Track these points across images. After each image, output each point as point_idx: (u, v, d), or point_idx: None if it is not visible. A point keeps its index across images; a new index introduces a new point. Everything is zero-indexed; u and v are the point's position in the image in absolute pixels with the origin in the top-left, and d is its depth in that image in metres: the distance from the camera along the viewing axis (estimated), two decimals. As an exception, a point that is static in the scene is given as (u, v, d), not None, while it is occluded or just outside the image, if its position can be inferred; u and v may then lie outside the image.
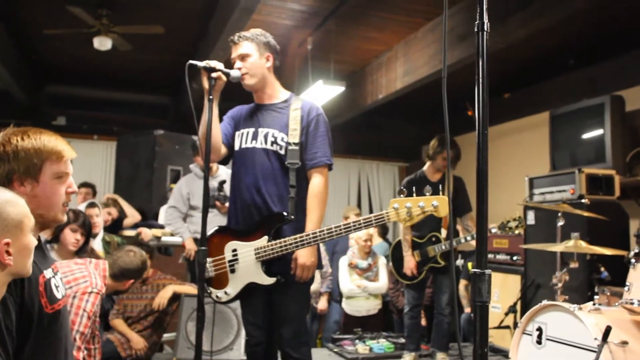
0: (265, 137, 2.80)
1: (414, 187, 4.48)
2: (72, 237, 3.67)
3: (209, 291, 2.77)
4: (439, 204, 2.47)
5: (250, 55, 2.81)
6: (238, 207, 2.85)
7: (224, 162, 3.00)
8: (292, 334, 2.74)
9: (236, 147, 2.88)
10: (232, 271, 2.75)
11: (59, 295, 1.77)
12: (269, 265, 2.71)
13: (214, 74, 2.64)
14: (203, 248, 2.48)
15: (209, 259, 2.73)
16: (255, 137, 2.83)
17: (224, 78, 2.69)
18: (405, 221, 2.50)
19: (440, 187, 4.29)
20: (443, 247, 4.48)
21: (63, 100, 8.54)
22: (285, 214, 2.71)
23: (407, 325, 4.67)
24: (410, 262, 4.55)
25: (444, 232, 4.60)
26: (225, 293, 2.76)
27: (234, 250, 2.75)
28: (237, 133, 2.90)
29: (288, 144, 2.77)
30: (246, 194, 2.80)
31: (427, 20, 5.69)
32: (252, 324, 2.86)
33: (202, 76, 2.65)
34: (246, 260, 2.72)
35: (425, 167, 4.80)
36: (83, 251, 3.83)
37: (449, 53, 5.26)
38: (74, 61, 7.35)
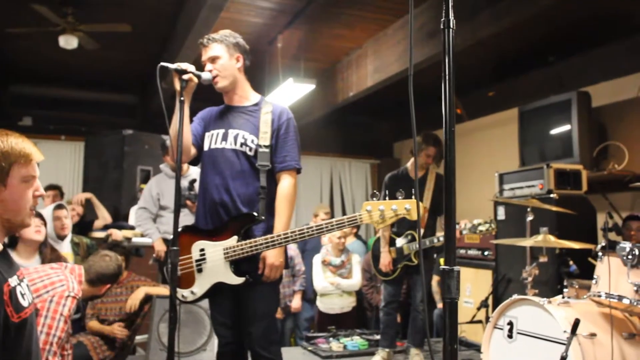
0: (235, 138, 2.81)
1: (395, 183, 4.58)
2: (32, 226, 3.60)
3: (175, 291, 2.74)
4: (411, 207, 2.47)
5: (220, 57, 2.83)
6: (207, 207, 2.84)
7: (193, 162, 2.98)
8: (262, 332, 2.73)
9: (205, 148, 2.88)
10: (199, 270, 2.74)
11: (25, 303, 1.73)
12: (238, 265, 2.71)
13: (185, 76, 2.65)
14: (175, 248, 2.46)
15: None
16: (225, 138, 2.83)
17: (195, 80, 2.70)
18: (378, 224, 2.53)
19: (420, 187, 4.33)
20: (415, 247, 4.49)
21: (29, 100, 8.35)
22: (255, 214, 2.71)
23: (383, 322, 4.68)
24: (385, 258, 4.56)
25: (422, 231, 4.60)
26: (192, 292, 2.74)
27: (202, 249, 2.75)
28: (207, 134, 2.89)
29: (259, 146, 2.78)
30: (215, 194, 2.79)
31: (397, 17, 5.71)
32: (222, 324, 2.84)
33: (174, 78, 2.65)
34: (214, 260, 2.71)
35: (408, 164, 4.81)
36: (45, 245, 3.75)
37: (419, 50, 5.29)
38: (39, 60, 7.21)
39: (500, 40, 5.65)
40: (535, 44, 6.17)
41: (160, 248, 4.88)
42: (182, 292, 2.74)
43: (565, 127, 5.33)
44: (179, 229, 2.74)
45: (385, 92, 6.64)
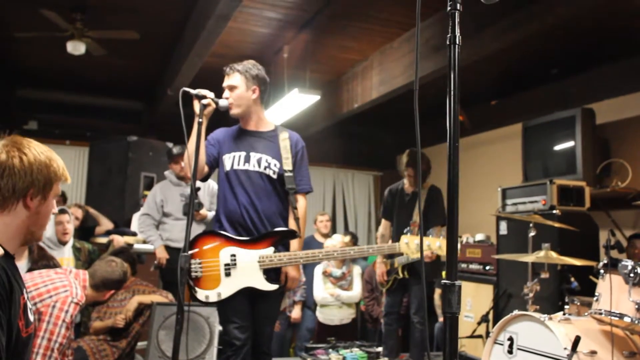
0: (259, 161, 3.10)
1: (392, 198, 4.68)
2: None
3: (194, 291, 2.94)
4: (441, 244, 3.04)
5: (237, 87, 3.09)
6: (231, 221, 3.08)
7: (203, 179, 3.24)
8: (270, 333, 3.13)
9: (227, 168, 3.12)
10: (227, 274, 2.96)
11: (31, 318, 1.73)
12: (269, 273, 2.99)
13: (204, 101, 2.90)
14: (186, 254, 2.62)
15: (197, 260, 2.95)
16: (247, 160, 3.11)
17: (213, 105, 2.95)
18: (412, 253, 3.08)
19: (412, 203, 4.44)
20: (403, 260, 4.50)
21: (35, 105, 8.39)
22: (295, 231, 3.06)
23: (384, 333, 4.77)
24: (379, 268, 4.70)
25: None
26: (218, 294, 2.94)
27: (233, 255, 2.97)
28: (227, 155, 3.14)
29: (284, 171, 3.11)
30: (242, 210, 3.05)
31: (403, 30, 5.73)
32: (240, 327, 2.99)
33: (194, 102, 2.91)
34: (246, 266, 2.96)
35: (405, 179, 4.90)
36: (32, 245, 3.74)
37: (425, 63, 5.31)
38: (46, 65, 7.25)
39: (505, 56, 5.67)
40: (539, 60, 6.19)
41: (162, 255, 4.89)
42: (205, 293, 2.93)
43: (569, 144, 5.33)
44: (202, 232, 3.11)
45: (390, 104, 6.65)
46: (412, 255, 3.07)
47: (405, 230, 3.19)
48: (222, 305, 3.02)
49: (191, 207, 2.69)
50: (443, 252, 2.92)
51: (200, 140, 2.84)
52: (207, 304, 2.99)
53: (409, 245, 3.04)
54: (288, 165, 3.12)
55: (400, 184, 4.88)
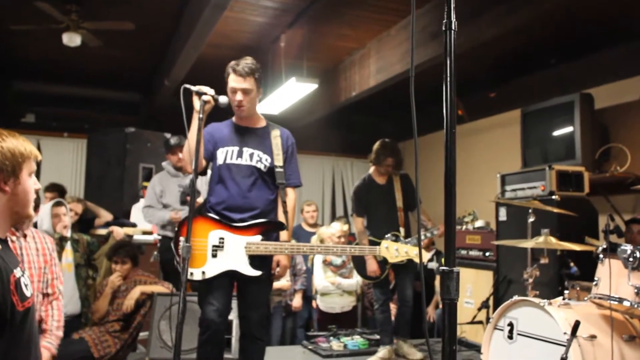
0: (251, 156, 3.23)
1: (365, 193, 4.76)
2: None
3: (180, 267, 2.95)
4: (417, 254, 3.19)
5: (252, 91, 3.20)
6: (220, 210, 3.19)
7: (202, 173, 3.33)
8: (259, 319, 3.17)
9: (220, 162, 3.23)
10: (214, 255, 3.07)
11: (28, 294, 1.82)
12: (254, 259, 3.09)
13: (204, 97, 2.97)
14: (188, 244, 2.67)
15: (183, 239, 2.97)
16: (240, 155, 3.23)
17: (213, 102, 3.03)
18: (391, 258, 3.24)
19: (390, 190, 4.52)
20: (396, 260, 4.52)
21: (32, 97, 8.35)
22: (283, 223, 3.21)
23: (379, 320, 4.75)
24: (372, 264, 4.64)
25: (402, 231, 4.68)
26: (202, 273, 3.04)
27: (222, 238, 3.10)
28: (220, 150, 3.25)
29: (275, 166, 3.24)
30: (233, 200, 3.17)
31: (400, 18, 5.71)
32: (217, 310, 3.07)
33: (194, 98, 2.99)
34: (233, 250, 3.08)
35: (371, 171, 5.03)
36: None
37: (422, 51, 5.29)
38: (42, 57, 7.21)
39: (502, 42, 5.65)
40: (538, 46, 6.16)
41: (176, 217, 4.89)
42: (190, 270, 2.98)
43: (568, 129, 5.33)
44: (195, 213, 3.07)
45: (388, 92, 6.63)
46: (391, 260, 3.25)
47: (386, 236, 3.46)
48: (203, 286, 3.10)
49: (192, 201, 2.73)
50: (417, 260, 3.23)
51: (200, 137, 2.92)
52: (190, 281, 3.03)
53: (389, 250, 3.22)
54: (279, 161, 3.25)
55: (366, 178, 4.99)
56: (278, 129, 3.36)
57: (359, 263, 4.81)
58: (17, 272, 1.79)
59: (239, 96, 3.18)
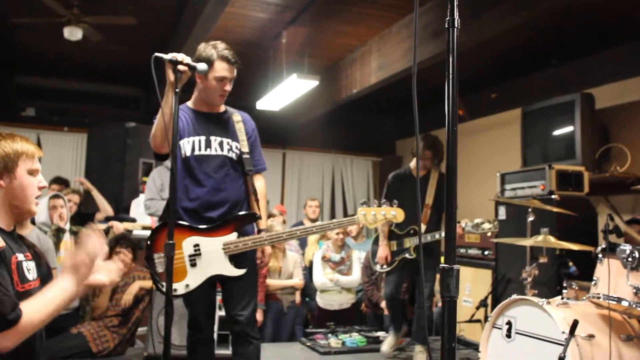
0: (221, 145, 3.02)
1: (398, 182, 4.66)
2: None
3: (161, 285, 2.83)
4: (396, 213, 3.05)
5: (233, 80, 2.99)
6: (195, 210, 2.97)
7: (162, 158, 3.09)
8: (250, 316, 3.01)
9: (188, 153, 2.97)
10: (193, 265, 2.90)
11: (30, 277, 1.93)
12: (235, 258, 2.94)
13: (180, 67, 2.64)
14: (171, 242, 2.49)
15: (160, 254, 2.86)
16: (208, 144, 3.00)
17: (189, 73, 2.72)
18: (370, 224, 3.03)
19: (423, 185, 4.42)
20: (415, 240, 4.50)
21: (32, 91, 8.35)
22: (257, 214, 3.03)
23: (390, 311, 4.81)
24: (383, 251, 4.61)
25: (424, 227, 4.61)
26: (186, 286, 2.88)
27: (196, 245, 2.91)
28: (185, 140, 2.97)
29: (242, 152, 3.05)
30: (209, 196, 2.96)
31: (402, 15, 5.70)
32: (205, 314, 3.03)
33: (167, 69, 2.66)
34: (211, 254, 2.90)
35: (411, 163, 4.87)
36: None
37: (423, 49, 5.28)
38: (43, 51, 7.20)
39: (504, 41, 5.64)
40: (538, 45, 6.15)
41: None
42: (174, 286, 2.77)
43: (568, 129, 5.33)
44: (158, 225, 3.02)
45: (389, 89, 6.63)
46: (370, 226, 3.04)
47: (361, 202, 3.09)
48: (187, 294, 2.93)
49: (173, 187, 2.54)
50: (397, 220, 3.04)
51: (177, 114, 2.59)
52: (176, 296, 2.83)
53: (366, 216, 3.00)
54: (245, 147, 3.06)
55: (406, 169, 4.80)
56: (238, 114, 3.16)
57: (374, 252, 4.76)
58: (20, 257, 1.91)
59: (228, 86, 2.97)
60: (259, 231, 3.08)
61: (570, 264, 4.14)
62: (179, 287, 2.86)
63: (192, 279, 2.88)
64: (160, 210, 4.95)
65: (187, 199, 2.97)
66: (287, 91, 6.39)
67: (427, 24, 5.27)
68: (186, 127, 3.00)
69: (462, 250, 5.64)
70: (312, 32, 6.12)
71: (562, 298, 3.29)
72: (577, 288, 3.69)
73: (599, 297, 2.98)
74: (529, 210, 3.94)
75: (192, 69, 2.71)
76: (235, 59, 2.95)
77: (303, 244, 6.27)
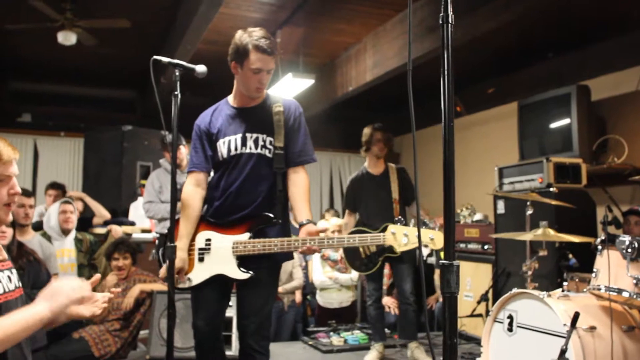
0: (256, 142, 2.80)
1: (360, 185, 4.57)
2: None
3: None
4: (434, 237, 2.58)
5: (272, 70, 2.80)
6: (228, 206, 2.79)
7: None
8: (257, 327, 2.74)
9: (225, 155, 2.81)
10: (201, 260, 2.75)
11: (8, 288, 1.79)
12: (243, 260, 2.71)
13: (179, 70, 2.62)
14: (172, 244, 2.45)
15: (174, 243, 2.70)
16: (244, 143, 2.80)
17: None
18: (400, 247, 2.63)
19: (385, 181, 4.29)
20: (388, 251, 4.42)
21: (28, 97, 8.35)
22: (272, 216, 2.73)
23: (373, 317, 4.61)
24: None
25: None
26: (188, 279, 2.73)
27: (208, 239, 2.76)
28: (221, 141, 2.82)
29: (275, 147, 2.79)
30: (242, 197, 2.77)
31: (396, 12, 5.70)
32: (204, 319, 2.79)
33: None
34: (220, 252, 2.72)
35: (366, 163, 4.76)
36: (12, 244, 3.67)
37: (418, 45, 5.28)
38: (38, 56, 7.19)
39: (499, 35, 5.64)
40: (534, 39, 6.16)
41: None
42: (176, 277, 2.68)
43: (565, 121, 5.33)
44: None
45: (385, 86, 6.63)
46: (399, 249, 2.66)
47: (396, 218, 2.85)
48: (193, 292, 2.82)
49: (173, 191, 2.51)
50: (435, 246, 2.58)
51: (176, 117, 2.53)
52: (177, 288, 2.72)
53: (396, 236, 2.64)
54: (280, 141, 2.80)
55: (363, 169, 4.74)
56: (281, 102, 2.90)
57: (350, 255, 4.66)
58: None
59: (265, 78, 2.78)
60: (300, 225, 2.72)
61: (570, 256, 4.14)
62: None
63: (195, 274, 2.74)
64: (159, 213, 4.96)
65: (225, 197, 2.80)
66: (283, 90, 6.39)
67: (421, 20, 5.27)
68: (223, 127, 2.83)
69: (462, 245, 5.64)
70: (306, 31, 6.12)
71: (563, 290, 3.30)
72: (577, 280, 3.70)
73: (599, 289, 2.98)
74: (528, 203, 3.94)
75: (192, 70, 2.66)
76: (272, 49, 2.72)
77: None
